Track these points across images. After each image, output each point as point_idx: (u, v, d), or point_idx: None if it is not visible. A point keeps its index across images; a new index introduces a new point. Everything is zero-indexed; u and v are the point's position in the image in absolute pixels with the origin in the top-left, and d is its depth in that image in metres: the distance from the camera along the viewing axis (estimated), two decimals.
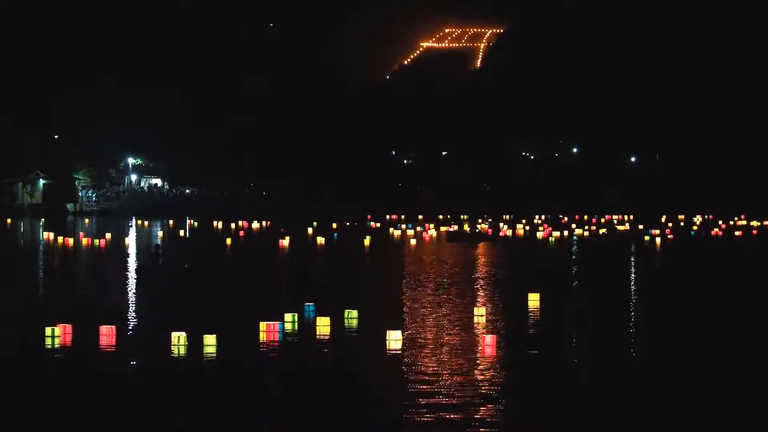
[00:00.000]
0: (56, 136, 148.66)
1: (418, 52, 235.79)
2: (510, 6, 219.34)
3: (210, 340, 25.59)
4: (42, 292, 40.69)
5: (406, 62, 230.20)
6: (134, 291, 40.22)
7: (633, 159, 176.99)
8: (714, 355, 25.68)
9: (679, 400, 20.44)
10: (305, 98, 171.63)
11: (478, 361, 24.06)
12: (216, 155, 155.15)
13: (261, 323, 27.98)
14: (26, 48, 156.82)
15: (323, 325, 29.17)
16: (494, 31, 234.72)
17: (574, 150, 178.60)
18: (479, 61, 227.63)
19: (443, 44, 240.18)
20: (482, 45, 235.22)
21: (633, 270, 53.58)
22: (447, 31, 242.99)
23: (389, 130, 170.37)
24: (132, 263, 54.33)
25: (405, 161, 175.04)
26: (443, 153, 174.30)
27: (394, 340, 26.23)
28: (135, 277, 46.19)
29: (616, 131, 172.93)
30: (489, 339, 26.18)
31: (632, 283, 46.16)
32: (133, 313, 32.82)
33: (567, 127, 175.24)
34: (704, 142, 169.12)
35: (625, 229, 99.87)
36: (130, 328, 29.46)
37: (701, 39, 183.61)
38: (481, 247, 69.44)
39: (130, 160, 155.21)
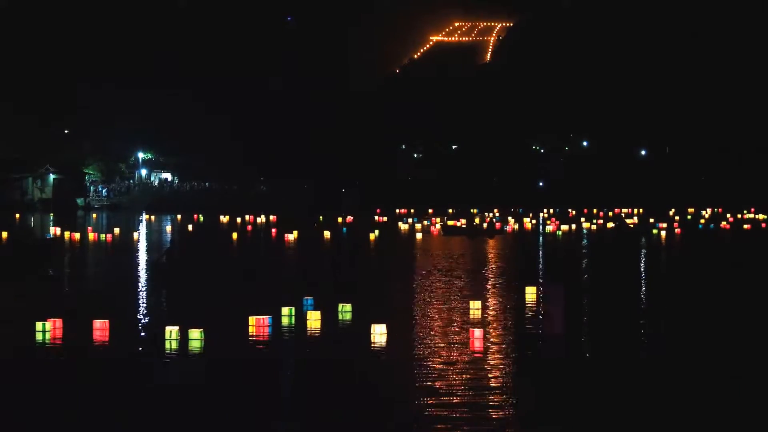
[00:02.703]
0: (66, 131, 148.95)
1: (428, 46, 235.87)
2: (518, 2, 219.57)
3: (195, 335, 25.72)
4: (41, 286, 40.77)
5: (416, 56, 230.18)
6: (135, 286, 40.28)
7: (643, 152, 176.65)
8: (716, 353, 25.66)
9: (667, 394, 20.46)
10: (314, 92, 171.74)
11: (465, 355, 24.11)
12: (226, 150, 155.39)
13: (250, 318, 28.13)
14: (38, 45, 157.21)
15: (314, 320, 29.29)
16: (504, 25, 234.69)
17: (585, 143, 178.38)
18: (489, 54, 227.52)
19: (453, 38, 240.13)
20: (492, 39, 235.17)
21: (636, 264, 53.52)
22: (457, 25, 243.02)
23: (399, 124, 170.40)
24: (136, 258, 54.52)
25: (415, 155, 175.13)
26: (453, 147, 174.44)
27: (379, 333, 26.34)
28: (140, 272, 46.36)
29: (626, 124, 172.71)
30: (477, 332, 26.24)
31: (633, 277, 46.11)
32: (131, 309, 32.80)
33: (577, 120, 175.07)
34: (714, 135, 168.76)
35: (633, 223, 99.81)
36: (125, 323, 29.46)
37: (710, 32, 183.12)
38: (481, 241, 69.33)
39: (140, 155, 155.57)
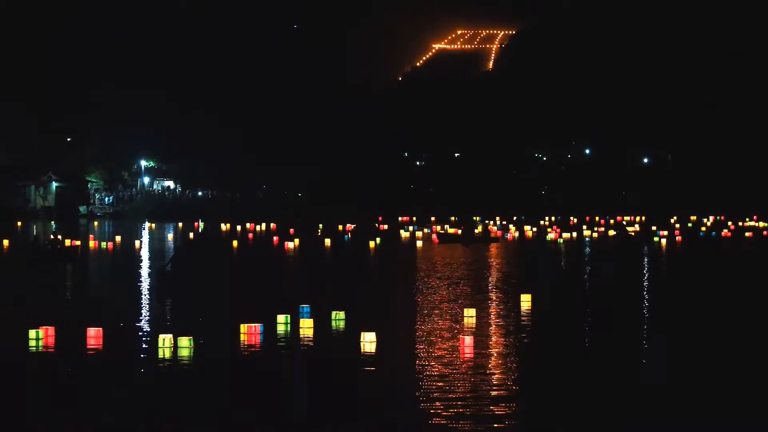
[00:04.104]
0: (69, 139, 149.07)
1: (430, 53, 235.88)
2: (521, 8, 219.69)
3: (184, 342, 25.80)
4: (38, 293, 40.86)
5: (418, 64, 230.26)
6: (135, 294, 40.30)
7: (645, 159, 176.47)
8: (714, 359, 25.71)
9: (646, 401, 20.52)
10: (318, 100, 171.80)
11: (453, 362, 24.16)
12: (229, 158, 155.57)
13: (242, 325, 28.21)
14: (40, 48, 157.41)
15: (307, 327, 29.38)
16: (506, 32, 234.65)
17: (587, 151, 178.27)
18: (491, 62, 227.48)
19: (455, 46, 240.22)
20: (494, 47, 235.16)
21: (633, 271, 53.50)
22: (459, 32, 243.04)
23: (401, 131, 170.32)
24: (137, 266, 54.63)
25: (417, 163, 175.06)
26: (456, 155, 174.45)
27: (369, 341, 26.43)
28: (141, 280, 46.48)
29: (628, 131, 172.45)
30: (468, 340, 26.31)
31: (630, 284, 46.12)
32: (128, 316, 32.78)
33: (579, 127, 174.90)
34: (717, 142, 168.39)
35: (635, 231, 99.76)
36: (121, 330, 29.52)
37: (713, 37, 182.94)
38: (477, 249, 69.25)
39: (143, 163, 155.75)
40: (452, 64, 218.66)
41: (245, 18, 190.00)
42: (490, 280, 46.50)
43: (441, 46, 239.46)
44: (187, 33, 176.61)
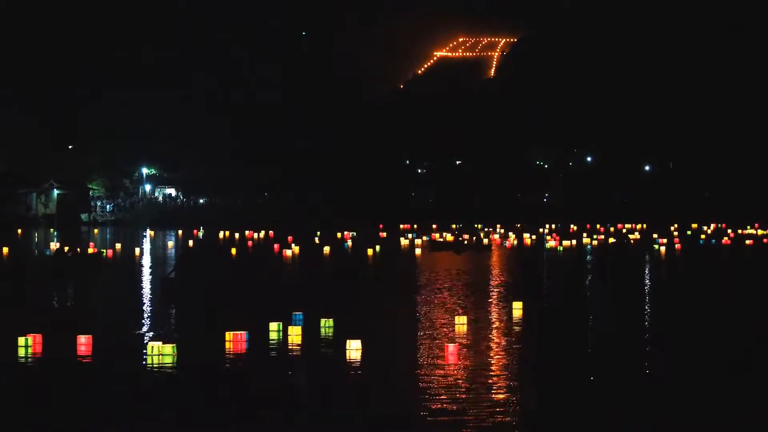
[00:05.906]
0: (70, 146, 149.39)
1: (432, 61, 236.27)
2: (522, 15, 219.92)
3: (167, 350, 25.87)
4: (32, 301, 40.96)
5: (420, 71, 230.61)
6: (133, 301, 40.37)
7: (647, 167, 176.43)
8: (710, 366, 25.76)
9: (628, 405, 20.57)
10: (320, 107, 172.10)
11: (436, 369, 24.23)
12: (230, 165, 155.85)
13: (227, 333, 28.28)
14: (41, 51, 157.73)
15: (295, 335, 29.46)
16: (508, 40, 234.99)
17: (588, 158, 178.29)
18: (493, 70, 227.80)
19: (457, 53, 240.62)
20: (496, 54, 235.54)
21: (631, 279, 53.53)
22: (461, 40, 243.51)
23: (403, 139, 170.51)
24: (138, 273, 54.75)
25: (419, 170, 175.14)
26: (457, 162, 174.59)
27: (354, 349, 26.51)
28: (143, 287, 46.61)
29: (630, 139, 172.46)
30: (452, 348, 26.39)
31: (627, 291, 46.15)
32: (125, 323, 32.86)
33: (580, 135, 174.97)
34: (719, 150, 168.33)
35: (635, 238, 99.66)
36: (109, 337, 29.59)
37: (715, 44, 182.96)
38: (471, 257, 69.22)
39: (144, 171, 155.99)
40: (454, 71, 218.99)
41: (251, 23, 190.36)
42: (483, 287, 46.52)
43: (442, 53, 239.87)
44: (187, 35, 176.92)
